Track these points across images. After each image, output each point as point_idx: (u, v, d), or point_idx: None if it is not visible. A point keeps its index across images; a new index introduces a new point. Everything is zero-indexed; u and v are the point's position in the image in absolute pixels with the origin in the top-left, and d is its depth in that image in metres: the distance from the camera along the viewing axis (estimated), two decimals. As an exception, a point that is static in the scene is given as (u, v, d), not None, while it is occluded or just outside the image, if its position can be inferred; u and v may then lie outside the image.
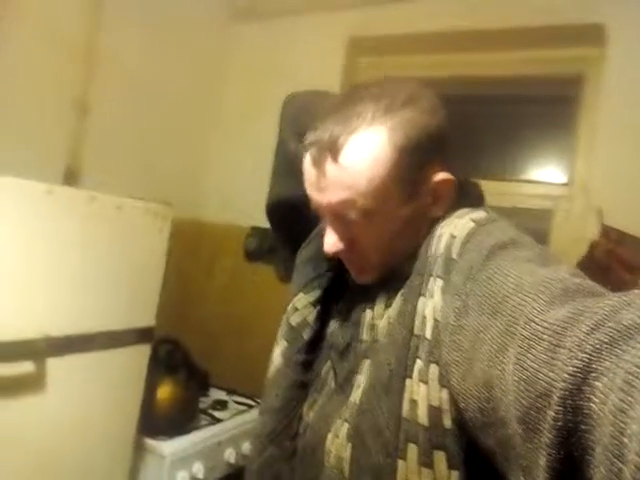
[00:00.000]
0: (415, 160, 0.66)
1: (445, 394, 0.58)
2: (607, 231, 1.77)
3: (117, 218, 1.35)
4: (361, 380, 0.68)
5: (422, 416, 0.59)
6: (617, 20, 1.77)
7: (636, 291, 0.40)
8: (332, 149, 0.64)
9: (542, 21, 1.92)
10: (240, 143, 2.40)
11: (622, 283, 1.73)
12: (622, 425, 0.31)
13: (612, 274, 1.75)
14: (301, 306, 0.80)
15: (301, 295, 0.81)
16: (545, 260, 0.55)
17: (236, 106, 2.45)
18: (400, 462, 0.59)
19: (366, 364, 0.68)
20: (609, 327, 0.36)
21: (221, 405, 1.95)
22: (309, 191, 0.69)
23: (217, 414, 1.87)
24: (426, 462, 0.58)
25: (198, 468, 1.64)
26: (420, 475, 0.58)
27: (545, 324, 0.42)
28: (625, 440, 0.31)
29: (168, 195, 1.60)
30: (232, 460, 1.77)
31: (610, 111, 1.79)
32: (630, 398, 0.32)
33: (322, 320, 0.80)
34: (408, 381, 0.61)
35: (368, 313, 0.71)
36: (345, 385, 0.71)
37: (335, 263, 0.80)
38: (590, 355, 0.36)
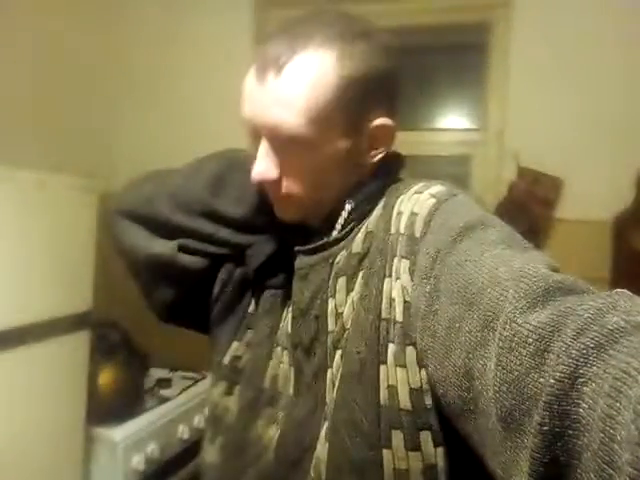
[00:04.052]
0: (359, 95, 0.64)
1: (424, 374, 0.57)
2: (523, 172, 1.88)
3: (38, 196, 1.22)
4: (335, 374, 0.64)
5: (404, 401, 0.58)
6: (522, -34, 1.83)
7: (619, 290, 0.41)
8: (275, 64, 0.61)
9: (448, -31, 1.95)
10: (153, 107, 2.25)
11: (540, 217, 1.87)
12: (612, 431, 0.31)
13: (529, 211, 1.88)
14: (241, 352, 0.76)
15: (236, 344, 0.76)
16: (514, 242, 0.55)
17: (145, 69, 2.27)
18: (385, 452, 0.58)
19: (337, 355, 0.65)
20: (594, 331, 0.36)
21: (166, 383, 1.88)
22: (247, 110, 0.65)
23: (163, 392, 1.82)
24: (413, 445, 0.58)
25: (153, 449, 1.59)
26: (408, 460, 0.58)
27: (528, 326, 0.41)
28: (615, 446, 0.31)
29: (72, 165, 1.46)
30: (186, 436, 1.73)
31: (519, 56, 1.87)
32: (618, 404, 0.32)
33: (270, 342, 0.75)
34: (382, 367, 0.59)
35: (330, 302, 0.67)
36: (315, 382, 0.66)
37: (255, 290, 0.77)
38: (577, 361, 0.36)
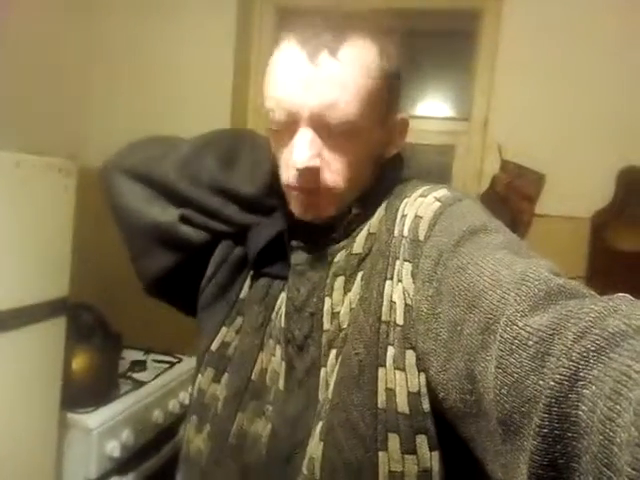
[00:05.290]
0: (391, 88, 0.66)
1: (423, 378, 0.58)
2: (506, 165, 1.89)
3: (14, 177, 1.15)
4: (329, 373, 0.64)
5: (402, 404, 0.58)
6: (515, -44, 1.81)
7: (620, 294, 0.41)
8: (330, 45, 0.61)
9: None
10: (127, 77, 2.14)
11: (520, 212, 1.89)
12: (611, 434, 0.32)
13: (511, 204, 1.90)
14: (230, 338, 0.74)
15: (225, 329, 0.74)
16: (518, 247, 0.55)
17: (120, 36, 2.16)
18: (381, 454, 0.58)
19: (332, 355, 0.65)
20: (595, 334, 0.37)
21: (140, 366, 1.85)
22: (289, 93, 0.62)
23: (137, 376, 1.78)
24: (409, 449, 0.58)
25: (128, 435, 1.56)
26: (403, 463, 0.58)
27: (529, 329, 0.42)
28: (615, 449, 0.31)
29: (39, 141, 1.38)
30: (160, 420, 1.71)
31: (508, 47, 1.86)
32: (618, 406, 0.32)
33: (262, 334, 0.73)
34: (381, 370, 0.59)
35: (327, 301, 0.66)
36: (307, 380, 0.66)
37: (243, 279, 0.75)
38: (577, 363, 0.36)
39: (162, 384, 1.77)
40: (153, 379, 1.77)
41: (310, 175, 0.63)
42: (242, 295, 0.75)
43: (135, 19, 2.13)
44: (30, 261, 1.22)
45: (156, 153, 0.78)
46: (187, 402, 1.82)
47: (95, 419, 1.49)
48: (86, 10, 2.09)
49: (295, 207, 0.68)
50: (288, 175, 0.65)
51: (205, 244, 0.77)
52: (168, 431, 1.74)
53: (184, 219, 0.75)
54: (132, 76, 2.14)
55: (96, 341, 1.61)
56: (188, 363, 1.89)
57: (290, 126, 0.63)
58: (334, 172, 0.64)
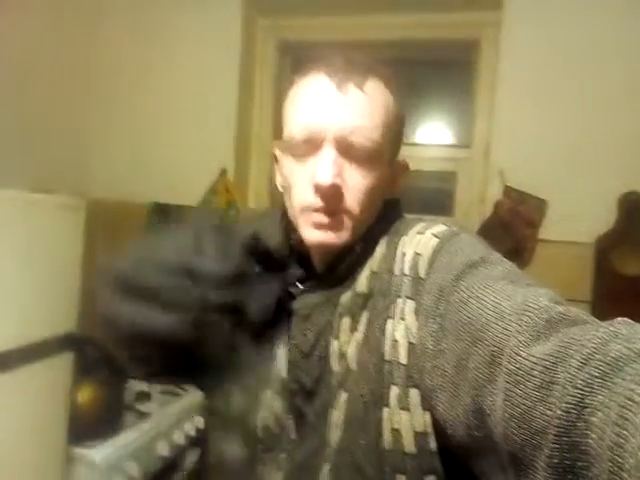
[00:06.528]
0: (400, 128, 0.70)
1: (428, 417, 0.57)
2: (509, 191, 1.90)
3: (22, 215, 1.16)
4: (338, 415, 0.64)
5: (409, 445, 0.58)
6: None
7: (620, 319, 0.41)
8: (356, 79, 0.65)
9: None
10: (125, 105, 2.17)
11: (524, 238, 1.89)
12: (620, 460, 0.32)
13: (514, 230, 1.90)
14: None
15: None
16: (517, 277, 0.55)
17: (116, 65, 2.19)
18: None
19: (342, 397, 0.64)
20: (598, 360, 0.37)
21: (145, 397, 1.84)
22: (316, 117, 0.64)
23: (142, 408, 1.77)
24: None
25: (133, 469, 1.54)
26: None
27: (533, 359, 0.42)
28: (624, 475, 0.31)
29: (41, 175, 1.39)
30: (165, 453, 1.68)
31: (507, 75, 1.88)
32: (625, 432, 0.32)
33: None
34: (386, 410, 0.59)
35: (334, 342, 0.66)
36: (319, 423, 0.65)
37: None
38: (582, 390, 0.37)
39: (166, 416, 1.75)
40: (158, 410, 1.76)
41: (333, 192, 0.64)
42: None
43: (140, 52, 2.17)
44: (38, 297, 1.22)
45: (145, 263, 0.71)
46: (192, 433, 1.81)
47: (100, 453, 1.47)
48: (93, 47, 2.12)
49: (311, 231, 0.66)
50: (307, 197, 0.65)
51: (217, 338, 0.71)
52: (173, 463, 1.73)
53: (195, 322, 0.68)
54: (134, 109, 2.17)
55: (101, 375, 1.60)
56: (192, 394, 1.87)
57: (312, 148, 0.65)
58: (353, 195, 0.65)
